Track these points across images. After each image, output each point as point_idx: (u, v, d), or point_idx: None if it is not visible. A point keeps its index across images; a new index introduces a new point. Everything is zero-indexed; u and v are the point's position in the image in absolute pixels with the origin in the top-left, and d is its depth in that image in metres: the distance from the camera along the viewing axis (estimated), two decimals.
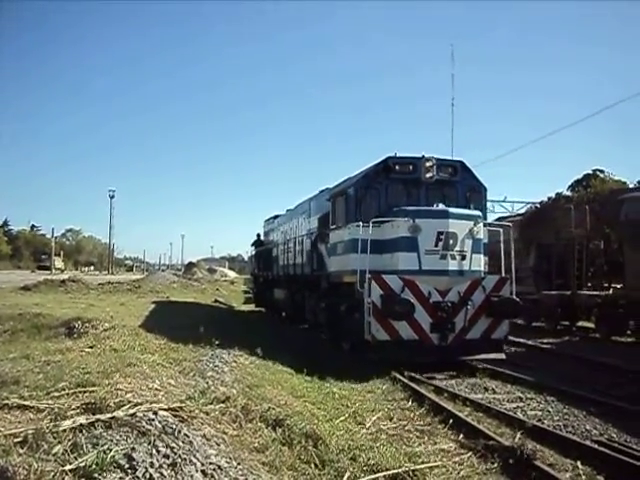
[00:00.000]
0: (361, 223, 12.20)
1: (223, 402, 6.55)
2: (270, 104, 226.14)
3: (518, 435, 6.93)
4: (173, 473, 4.08)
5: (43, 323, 12.26)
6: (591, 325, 19.36)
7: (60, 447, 4.10)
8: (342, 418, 7.25)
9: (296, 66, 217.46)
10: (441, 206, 12.72)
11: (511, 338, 16.62)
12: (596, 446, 6.70)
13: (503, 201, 38.13)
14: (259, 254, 27.59)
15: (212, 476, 4.31)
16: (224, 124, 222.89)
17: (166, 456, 4.29)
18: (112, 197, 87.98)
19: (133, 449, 4.20)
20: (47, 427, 4.37)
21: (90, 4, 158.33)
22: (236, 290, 46.58)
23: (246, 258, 40.48)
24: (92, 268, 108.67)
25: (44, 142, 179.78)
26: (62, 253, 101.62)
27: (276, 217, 25.03)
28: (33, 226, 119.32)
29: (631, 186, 33.60)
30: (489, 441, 6.57)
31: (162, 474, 4.01)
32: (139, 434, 4.57)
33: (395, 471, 5.25)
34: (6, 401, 5.11)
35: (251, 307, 29.95)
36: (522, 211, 33.06)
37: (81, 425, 4.54)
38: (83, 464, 3.83)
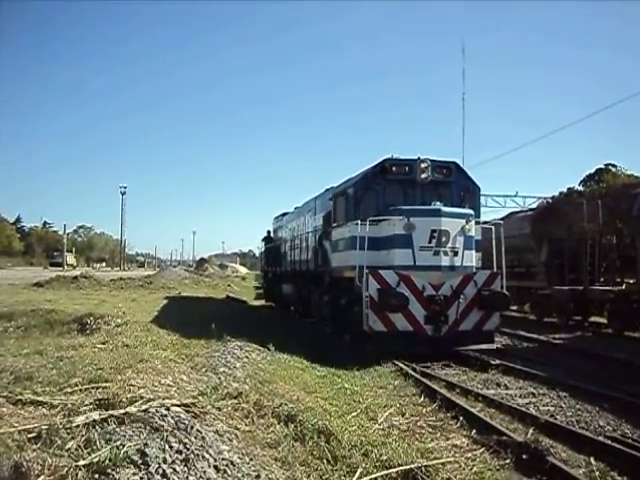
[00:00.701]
0: (359, 221, 12.85)
1: (235, 398, 6.56)
2: (282, 101, 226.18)
3: (531, 431, 6.90)
4: (186, 469, 4.09)
5: (56, 319, 12.34)
6: (604, 320, 19.22)
7: (74, 443, 4.12)
8: (354, 414, 7.23)
9: (302, 64, 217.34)
10: (437, 205, 13.23)
11: (523, 333, 16.80)
12: (610, 442, 6.65)
13: (515, 196, 37.98)
14: (268, 250, 28.34)
15: (225, 472, 4.31)
16: (235, 121, 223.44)
17: (179, 452, 4.30)
18: (123, 194, 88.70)
19: (146, 445, 4.21)
20: (60, 423, 4.40)
21: (91, 4, 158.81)
22: (247, 286, 46.66)
23: (257, 254, 40.48)
24: (104, 264, 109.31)
25: (56, 139, 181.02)
26: (74, 250, 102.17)
27: (284, 215, 25.69)
28: (45, 223, 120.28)
29: None
30: (502, 437, 6.53)
31: (175, 470, 4.02)
32: (152, 430, 4.58)
33: (408, 467, 5.22)
34: (20, 397, 5.15)
35: (262, 302, 30.03)
36: (534, 206, 32.94)
37: (94, 421, 4.56)
38: (96, 460, 3.85)
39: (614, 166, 45.01)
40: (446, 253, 12.64)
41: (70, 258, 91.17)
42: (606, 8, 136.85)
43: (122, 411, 4.83)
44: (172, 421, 4.86)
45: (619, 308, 17.39)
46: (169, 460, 4.12)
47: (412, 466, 5.23)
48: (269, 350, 11.06)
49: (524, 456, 5.97)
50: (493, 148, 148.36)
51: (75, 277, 33.08)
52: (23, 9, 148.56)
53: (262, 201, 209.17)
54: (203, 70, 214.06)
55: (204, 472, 4.16)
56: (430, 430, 7.06)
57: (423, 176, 13.79)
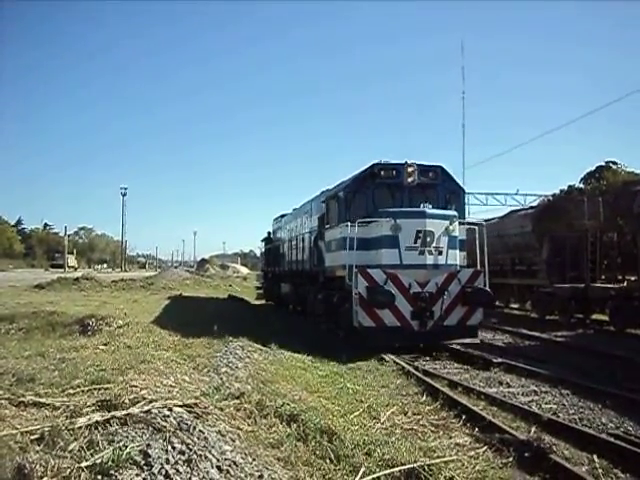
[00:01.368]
0: (349, 223, 13.51)
1: (237, 398, 6.56)
2: (284, 102, 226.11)
3: (533, 429, 6.90)
4: (189, 469, 4.09)
5: (57, 321, 12.34)
6: (605, 318, 19.22)
7: (76, 444, 4.12)
8: (357, 413, 7.23)
9: (310, 64, 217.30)
10: (427, 207, 14.21)
11: (525, 331, 16.80)
12: (612, 439, 6.65)
13: (515, 194, 38.04)
14: (268, 251, 29.27)
15: (228, 472, 4.31)
16: (235, 122, 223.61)
17: (182, 452, 4.30)
18: (124, 195, 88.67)
19: (149, 445, 4.21)
20: (63, 424, 4.40)
21: (92, 4, 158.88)
22: (248, 286, 46.67)
23: (258, 254, 40.61)
24: (105, 266, 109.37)
25: (57, 141, 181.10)
26: (75, 251, 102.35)
27: (283, 216, 26.20)
28: (46, 225, 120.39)
29: None
30: (504, 435, 6.53)
31: (178, 470, 4.02)
32: (154, 431, 4.58)
33: (410, 466, 5.22)
34: (22, 398, 5.15)
35: (263, 302, 30.42)
36: (535, 204, 32.90)
37: (97, 422, 4.56)
38: (99, 461, 3.85)
39: (615, 163, 44.98)
40: (431, 252, 13.37)
41: (71, 260, 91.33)
42: (605, 8, 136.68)
43: (124, 412, 4.83)
44: (174, 422, 4.86)
45: (620, 305, 17.38)
46: (172, 461, 4.12)
47: (415, 465, 5.22)
48: (270, 349, 11.09)
49: (527, 454, 5.98)
50: (494, 147, 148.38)
51: (76, 279, 33.12)
52: (24, 11, 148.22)
53: (263, 201, 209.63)
54: (204, 72, 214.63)
55: (207, 472, 4.16)
56: (432, 429, 7.06)
57: (410, 180, 14.48)
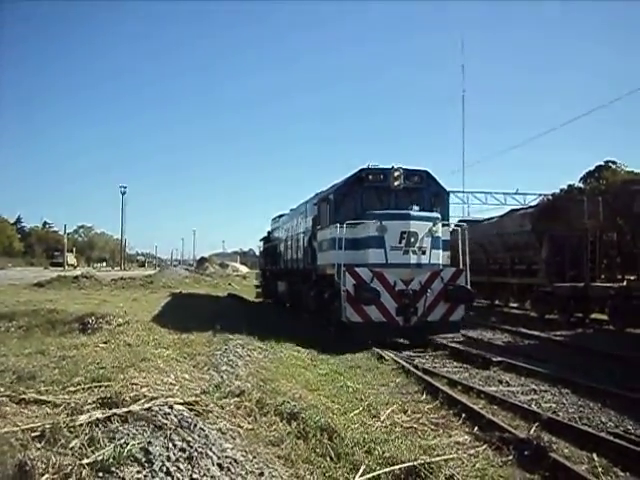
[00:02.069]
0: (338, 224, 14.33)
1: (238, 396, 6.57)
2: (284, 102, 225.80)
3: (533, 427, 6.91)
4: (190, 466, 4.10)
5: (57, 319, 12.34)
6: (605, 317, 19.21)
7: (77, 441, 4.13)
8: (357, 411, 7.24)
9: (308, 64, 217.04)
10: (413, 209, 14.91)
11: (524, 331, 16.82)
12: (612, 438, 6.66)
13: (515, 193, 38.05)
14: (266, 250, 30.07)
15: (228, 469, 4.32)
16: (235, 122, 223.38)
17: (182, 450, 4.31)
18: (124, 193, 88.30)
19: (150, 443, 4.22)
20: (64, 422, 4.41)
21: (93, 5, 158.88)
22: (248, 285, 46.62)
23: (257, 253, 40.74)
24: (104, 264, 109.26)
25: (56, 139, 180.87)
26: (74, 250, 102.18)
27: (281, 216, 26.74)
28: (45, 223, 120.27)
29: None
30: (504, 433, 6.54)
31: (179, 467, 4.03)
32: (155, 428, 4.59)
33: (411, 464, 5.22)
34: (23, 396, 5.16)
35: (261, 300, 30.70)
36: (534, 203, 32.90)
37: (97, 419, 4.57)
38: (100, 458, 3.86)
39: (614, 163, 45.05)
40: (415, 252, 14.19)
41: (71, 258, 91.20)
42: (605, 7, 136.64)
43: (125, 410, 4.84)
44: (175, 419, 4.87)
45: (620, 305, 17.36)
46: (173, 458, 4.13)
47: (415, 463, 5.23)
48: (271, 348, 11.12)
49: (526, 452, 5.99)
50: (493, 145, 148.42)
51: (76, 277, 33.12)
52: (28, 13, 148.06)
53: (263, 200, 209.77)
54: (204, 73, 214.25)
55: (208, 470, 4.17)
56: (432, 427, 7.06)
57: (396, 183, 15.26)
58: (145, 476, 3.80)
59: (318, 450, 5.50)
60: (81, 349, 8.31)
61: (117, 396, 5.15)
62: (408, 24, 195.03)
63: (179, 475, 3.94)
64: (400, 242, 14.09)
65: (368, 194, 15.45)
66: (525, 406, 8.09)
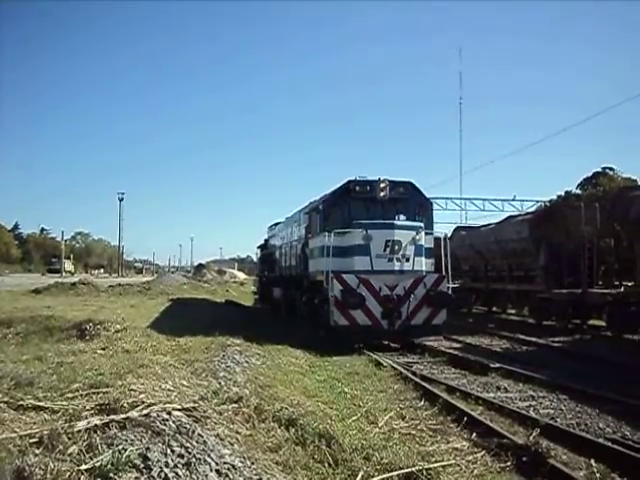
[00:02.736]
0: (327, 233, 15.17)
1: (236, 402, 6.57)
2: (281, 107, 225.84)
3: (531, 434, 6.90)
4: (188, 473, 4.10)
5: (55, 325, 12.31)
6: (602, 323, 19.25)
7: (75, 447, 4.12)
8: (355, 417, 7.24)
9: (307, 68, 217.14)
10: (399, 218, 15.99)
11: (522, 337, 16.84)
12: (610, 444, 6.66)
13: (512, 200, 38.15)
14: (263, 257, 31.13)
15: (227, 475, 4.32)
16: (231, 128, 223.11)
17: (181, 456, 4.31)
18: (121, 200, 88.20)
19: (148, 449, 4.22)
20: (62, 428, 4.40)
21: (96, 5, 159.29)
22: (246, 291, 46.61)
23: (255, 260, 40.91)
24: (102, 271, 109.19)
25: (53, 146, 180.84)
26: (72, 256, 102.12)
27: (277, 224, 27.43)
28: (43, 229, 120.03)
29: None
30: (502, 440, 6.55)
31: (177, 474, 4.03)
32: (153, 434, 4.59)
33: (408, 470, 5.23)
34: (21, 402, 5.15)
35: (259, 306, 30.90)
36: (532, 210, 32.98)
37: (95, 426, 4.57)
38: (99, 464, 3.86)
39: (611, 169, 45.14)
40: (399, 259, 15.02)
41: (68, 265, 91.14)
42: (606, 9, 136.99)
43: (123, 416, 4.83)
44: (173, 425, 4.87)
45: (617, 311, 17.38)
46: (171, 464, 4.13)
47: (413, 469, 5.25)
48: (269, 354, 11.12)
49: (525, 459, 6.00)
50: (491, 152, 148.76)
51: (73, 283, 33.09)
52: (27, 14, 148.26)
53: (260, 207, 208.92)
54: (201, 79, 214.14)
55: (206, 476, 4.17)
56: (430, 433, 7.07)
57: (382, 194, 15.99)
58: None
59: (316, 456, 5.50)
60: (79, 355, 8.30)
61: (115, 402, 5.14)
62: (412, 27, 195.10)
63: None
64: (385, 250, 14.91)
65: (355, 204, 16.28)
66: (523, 412, 8.10)
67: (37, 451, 4.02)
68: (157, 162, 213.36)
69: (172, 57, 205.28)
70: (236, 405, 6.47)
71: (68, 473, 3.69)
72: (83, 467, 3.81)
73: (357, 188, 16.24)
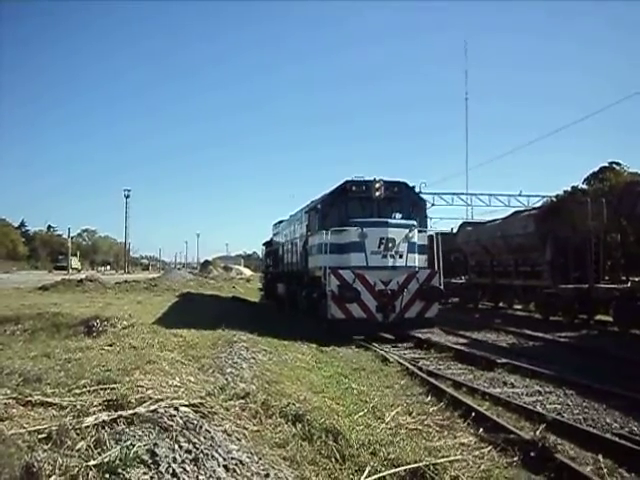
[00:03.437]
0: (324, 231, 16.19)
1: (243, 398, 6.58)
2: (285, 105, 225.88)
3: (538, 429, 6.90)
4: (196, 468, 4.11)
5: (62, 322, 12.33)
6: (609, 318, 19.21)
7: (84, 443, 4.13)
8: (361, 413, 7.24)
9: (309, 67, 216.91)
10: (394, 217, 16.86)
11: (528, 332, 16.85)
12: (617, 439, 6.66)
13: (519, 195, 38.08)
14: (268, 253, 32.34)
15: (234, 471, 4.33)
16: (238, 125, 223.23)
17: (188, 451, 4.31)
18: (127, 197, 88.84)
19: (156, 445, 4.23)
20: (70, 424, 4.41)
21: (97, 6, 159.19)
22: (252, 288, 46.71)
23: (261, 256, 41.20)
24: (108, 267, 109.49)
25: (60, 142, 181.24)
26: (78, 253, 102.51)
27: (281, 222, 28.26)
28: (49, 227, 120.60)
29: None
30: (509, 435, 6.55)
31: (185, 469, 4.04)
32: (161, 430, 4.59)
33: (416, 465, 5.23)
34: (29, 398, 5.15)
35: (264, 302, 31.30)
36: (538, 205, 32.87)
37: (104, 421, 4.57)
38: (107, 460, 3.86)
39: (617, 164, 44.86)
40: (392, 256, 15.89)
41: (75, 262, 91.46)
42: (606, 9, 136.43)
43: (131, 412, 4.84)
44: (181, 421, 4.88)
45: (624, 306, 17.34)
46: (179, 459, 4.13)
47: (420, 464, 5.24)
48: (275, 350, 11.14)
49: (532, 454, 6.00)
50: (497, 148, 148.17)
51: (80, 280, 33.19)
52: (28, 13, 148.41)
53: (267, 203, 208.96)
54: (206, 75, 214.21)
55: (214, 471, 4.18)
56: (437, 429, 7.06)
57: (377, 194, 16.83)
58: (152, 477, 3.81)
59: (323, 452, 5.50)
60: (86, 352, 8.30)
61: (123, 398, 5.15)
62: (412, 26, 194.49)
63: (185, 477, 3.95)
64: (379, 247, 15.77)
65: (352, 203, 17.15)
66: (530, 407, 8.10)
67: (46, 447, 4.02)
68: (163, 159, 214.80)
69: (175, 56, 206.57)
70: (243, 401, 6.48)
71: (77, 469, 3.69)
72: (91, 463, 3.82)
73: (354, 188, 17.06)
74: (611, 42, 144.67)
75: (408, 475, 5.11)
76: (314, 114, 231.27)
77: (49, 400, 5.17)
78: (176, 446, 4.34)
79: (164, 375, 6.79)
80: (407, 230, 16.09)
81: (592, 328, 18.99)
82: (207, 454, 4.37)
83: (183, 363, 8.28)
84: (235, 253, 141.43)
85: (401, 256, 15.95)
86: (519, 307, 26.04)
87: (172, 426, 4.70)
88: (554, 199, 30.75)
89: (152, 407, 5.02)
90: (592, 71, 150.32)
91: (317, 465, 5.19)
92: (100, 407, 4.97)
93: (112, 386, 5.71)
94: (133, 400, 5.15)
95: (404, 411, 7.78)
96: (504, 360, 11.57)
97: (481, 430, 6.90)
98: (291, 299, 22.71)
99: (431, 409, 8.01)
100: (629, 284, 18.13)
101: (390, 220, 16.40)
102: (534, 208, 28.73)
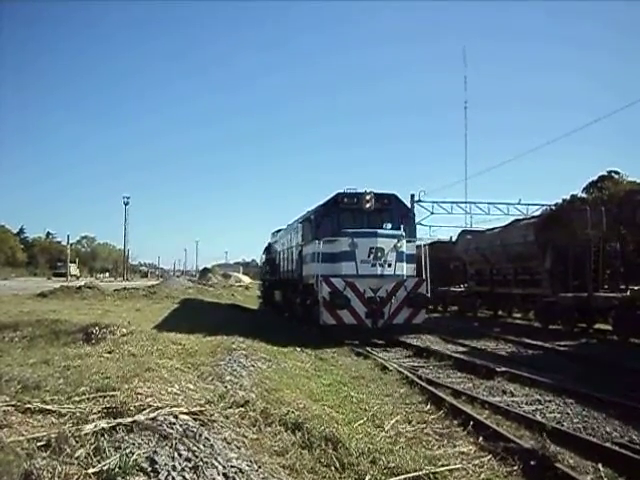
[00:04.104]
0: (317, 241, 17.02)
1: (242, 406, 6.57)
2: (285, 110, 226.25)
3: (538, 438, 6.88)
4: (195, 476, 4.10)
5: (61, 329, 12.31)
6: (608, 327, 19.19)
7: (83, 451, 4.13)
8: (361, 421, 7.23)
9: (310, 70, 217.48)
10: (384, 227, 17.58)
11: (528, 341, 16.83)
12: (617, 448, 6.64)
13: (518, 203, 38.08)
14: (266, 261, 32.88)
15: (234, 479, 4.32)
16: (239, 130, 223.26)
17: (188, 459, 4.31)
18: (127, 204, 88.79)
19: (155, 452, 4.23)
20: (69, 431, 4.41)
21: (99, 7, 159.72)
22: (251, 295, 46.64)
23: (259, 264, 41.39)
24: (107, 275, 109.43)
25: (59, 149, 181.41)
26: (77, 260, 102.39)
27: (279, 231, 29.06)
28: (49, 233, 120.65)
29: None
30: (509, 444, 6.52)
31: (184, 477, 4.03)
32: (161, 438, 4.59)
33: (415, 474, 5.23)
34: (28, 405, 5.15)
35: (263, 309, 31.58)
36: (537, 213, 32.90)
37: (103, 429, 4.57)
38: (106, 467, 3.87)
39: (616, 173, 44.96)
40: (381, 265, 16.55)
41: (73, 268, 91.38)
42: (607, 11, 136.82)
43: (130, 419, 4.84)
44: (180, 429, 4.88)
45: (624, 315, 17.31)
46: (178, 468, 4.13)
47: (420, 473, 5.24)
48: (269, 359, 11.12)
49: (532, 462, 5.97)
50: (496, 156, 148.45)
51: (79, 287, 33.18)
52: (28, 16, 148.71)
53: (266, 210, 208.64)
54: (205, 80, 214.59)
55: (213, 479, 4.17)
56: (437, 437, 7.06)
57: (368, 206, 17.73)
58: None
59: (323, 460, 5.49)
60: (85, 359, 8.29)
61: (122, 406, 5.15)
62: (412, 30, 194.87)
63: None
64: (369, 256, 16.46)
65: (344, 215, 17.96)
66: (530, 416, 8.07)
67: (45, 454, 4.02)
68: (162, 165, 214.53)
69: (175, 60, 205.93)
70: (242, 409, 6.48)
71: (76, 476, 3.70)
72: (91, 470, 3.82)
73: (345, 200, 17.95)
74: (611, 47, 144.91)
75: None
76: (314, 119, 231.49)
77: (48, 407, 5.17)
78: (176, 454, 4.33)
79: (163, 383, 6.78)
80: (395, 240, 16.79)
81: (591, 337, 18.96)
82: (207, 462, 4.37)
83: (182, 371, 8.28)
84: (234, 261, 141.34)
85: (390, 265, 16.63)
86: (518, 315, 26.04)
87: (171, 434, 4.69)
88: (553, 208, 30.74)
89: (151, 415, 5.02)
90: (592, 77, 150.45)
91: (317, 474, 5.19)
92: (99, 414, 4.98)
93: (111, 393, 5.71)
94: (132, 408, 5.15)
95: (403, 419, 7.77)
96: (503, 369, 11.54)
97: (481, 439, 6.88)
98: (288, 306, 23.31)
99: (430, 417, 8.00)
100: (628, 293, 18.12)
101: (379, 230, 17.10)
102: (533, 217, 28.72)
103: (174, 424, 4.94)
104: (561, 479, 5.61)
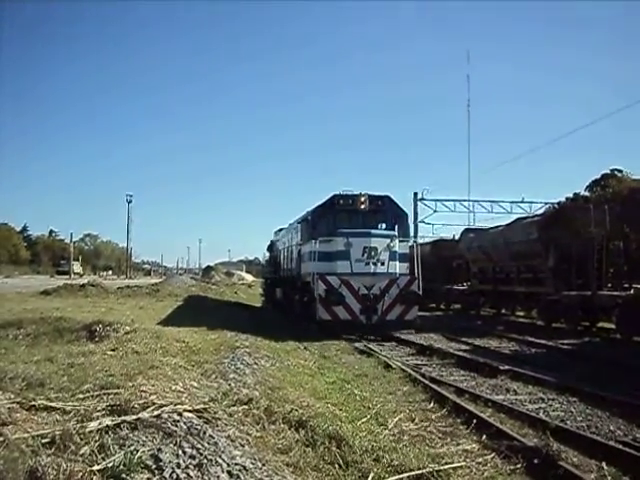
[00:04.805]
0: (313, 240, 18.12)
1: (246, 404, 6.57)
2: (292, 109, 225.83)
3: (541, 436, 6.87)
4: (199, 474, 4.10)
5: (65, 327, 12.30)
6: (612, 326, 19.16)
7: (87, 448, 4.14)
8: (364, 419, 7.22)
9: (311, 71, 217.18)
10: (378, 228, 18.66)
11: (531, 339, 16.81)
12: (621, 446, 6.63)
13: (521, 202, 38.04)
14: (268, 259, 34.42)
15: (238, 477, 4.31)
16: (243, 129, 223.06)
17: (192, 457, 4.32)
18: (130, 202, 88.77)
19: (159, 450, 4.24)
20: (74, 428, 4.41)
21: (99, 8, 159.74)
22: (254, 293, 46.63)
23: (262, 262, 41.46)
24: (110, 272, 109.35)
25: (62, 148, 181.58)
26: (80, 258, 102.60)
27: (281, 230, 29.85)
28: (52, 231, 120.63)
29: None
30: (512, 442, 6.51)
31: (189, 474, 4.04)
32: (165, 435, 4.60)
33: (419, 472, 5.22)
34: (33, 402, 5.16)
35: (265, 306, 32.08)
36: (540, 212, 32.87)
37: (107, 426, 4.58)
38: (111, 464, 3.88)
39: (620, 171, 44.88)
40: (375, 263, 17.61)
41: (77, 266, 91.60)
42: (607, 11, 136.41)
43: (134, 417, 4.84)
44: (185, 426, 4.89)
45: (627, 313, 17.29)
46: (183, 465, 4.14)
47: (423, 471, 5.24)
48: (273, 357, 11.11)
49: (535, 461, 5.96)
50: (499, 154, 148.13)
51: (82, 285, 33.19)
52: (31, 16, 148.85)
53: (269, 209, 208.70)
54: (210, 81, 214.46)
55: (217, 477, 4.18)
56: (440, 435, 7.06)
57: (362, 207, 18.65)
58: None
59: (326, 458, 5.49)
60: (89, 357, 8.30)
61: (126, 403, 5.15)
62: (412, 30, 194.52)
63: None
64: (363, 255, 17.49)
65: (340, 215, 18.85)
66: (533, 414, 8.07)
67: (49, 451, 4.03)
68: (166, 164, 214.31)
69: (179, 61, 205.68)
70: (246, 407, 6.47)
71: (80, 473, 3.70)
72: (95, 468, 3.83)
73: (341, 201, 18.81)
74: (613, 48, 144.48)
75: None
76: (316, 120, 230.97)
77: (53, 405, 5.18)
78: (180, 451, 4.35)
79: (167, 380, 6.80)
80: (389, 240, 17.84)
81: (595, 335, 18.96)
82: (211, 460, 4.37)
83: (186, 368, 8.29)
84: (237, 259, 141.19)
85: (383, 263, 17.65)
86: (521, 314, 26.02)
87: (176, 431, 4.71)
88: (557, 206, 30.69)
89: (156, 412, 5.03)
90: (595, 77, 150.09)
91: (320, 471, 5.19)
92: (103, 412, 4.98)
93: (115, 391, 5.72)
94: (136, 405, 5.16)
95: (407, 417, 7.77)
96: (507, 367, 11.54)
97: (484, 437, 6.88)
98: (288, 303, 24.00)
99: (434, 415, 8.01)
100: (632, 291, 18.10)
101: (373, 231, 18.18)
102: (536, 215, 28.71)
103: (178, 422, 4.95)
104: (565, 477, 5.60)
